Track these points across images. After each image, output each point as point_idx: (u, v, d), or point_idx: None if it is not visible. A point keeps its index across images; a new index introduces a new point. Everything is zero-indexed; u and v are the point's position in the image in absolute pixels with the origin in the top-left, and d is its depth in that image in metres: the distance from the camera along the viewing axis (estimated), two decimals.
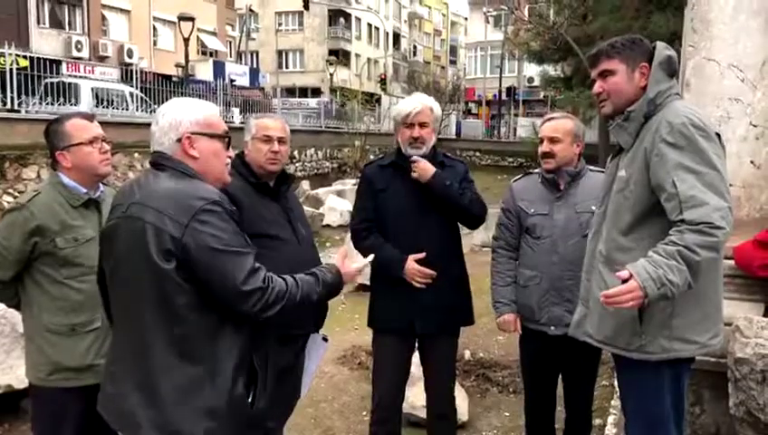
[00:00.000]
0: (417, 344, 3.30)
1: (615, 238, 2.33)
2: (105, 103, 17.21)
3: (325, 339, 3.01)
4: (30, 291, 2.64)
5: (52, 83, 16.23)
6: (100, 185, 2.76)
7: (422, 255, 3.07)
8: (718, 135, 2.23)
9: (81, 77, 21.51)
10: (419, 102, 3.13)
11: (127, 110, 18.44)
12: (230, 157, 2.14)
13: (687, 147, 2.14)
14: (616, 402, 3.85)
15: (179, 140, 2.00)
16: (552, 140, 3.10)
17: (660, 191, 2.17)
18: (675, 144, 2.15)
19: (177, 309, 1.85)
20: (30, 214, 2.55)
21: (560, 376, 3.33)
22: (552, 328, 3.11)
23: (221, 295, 1.88)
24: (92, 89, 18.54)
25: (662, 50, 2.31)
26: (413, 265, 3.07)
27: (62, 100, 15.51)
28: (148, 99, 18.93)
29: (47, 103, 15.03)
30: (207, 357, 1.89)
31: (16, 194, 12.33)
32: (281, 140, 2.90)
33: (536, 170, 3.28)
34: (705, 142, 2.14)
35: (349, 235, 3.29)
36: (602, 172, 3.12)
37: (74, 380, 2.61)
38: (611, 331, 2.34)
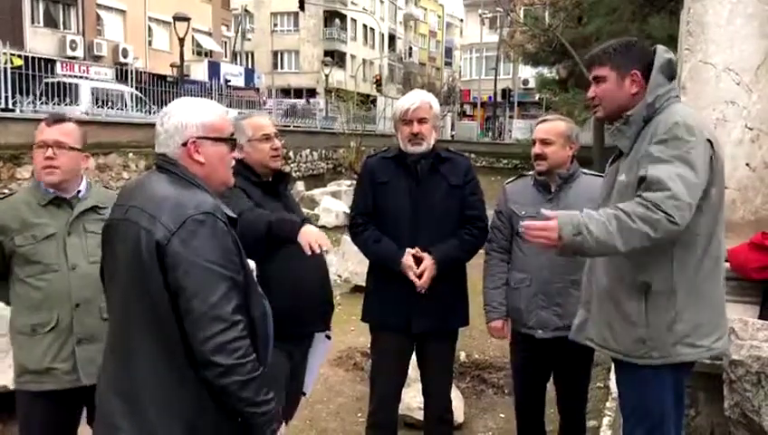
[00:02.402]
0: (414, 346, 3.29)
1: None
2: (102, 104, 17.25)
3: (328, 337, 3.02)
4: (9, 292, 2.63)
5: (52, 83, 16.28)
6: (80, 187, 2.68)
7: (416, 250, 3.03)
8: (711, 142, 2.19)
9: (81, 77, 21.60)
10: (418, 98, 3.10)
11: (124, 110, 18.46)
12: (234, 158, 2.10)
13: (671, 143, 2.14)
14: (611, 404, 3.87)
15: (185, 145, 1.96)
16: (544, 142, 3.10)
17: (640, 181, 2.17)
18: (660, 141, 2.16)
19: (165, 317, 1.81)
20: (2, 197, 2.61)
21: (551, 379, 3.33)
22: (540, 332, 3.11)
23: (185, 314, 1.79)
24: (92, 89, 18.64)
25: (662, 53, 2.31)
26: (409, 260, 3.02)
27: (56, 100, 15.51)
28: (147, 99, 18.93)
29: (42, 103, 15.01)
30: (189, 368, 1.83)
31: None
32: (276, 136, 2.95)
33: (530, 172, 3.28)
34: (690, 142, 2.14)
35: (345, 236, 3.29)
36: (597, 176, 3.13)
37: (34, 383, 2.56)
38: (614, 336, 2.34)
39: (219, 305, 1.78)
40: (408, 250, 3.02)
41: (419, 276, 3.01)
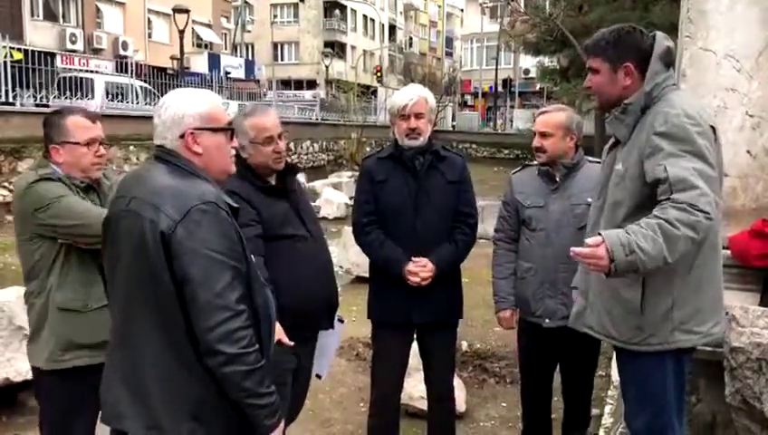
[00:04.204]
0: (415, 336, 3.30)
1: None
2: (116, 97, 17.67)
3: (341, 320, 3.04)
4: (55, 267, 2.60)
5: (68, 78, 16.76)
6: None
7: (419, 260, 3.06)
8: (714, 128, 2.22)
9: (94, 72, 22.19)
10: (414, 93, 3.12)
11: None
12: (234, 147, 2.09)
13: (679, 138, 2.14)
14: (612, 392, 3.88)
15: (182, 136, 1.95)
16: (543, 135, 3.12)
17: (655, 181, 2.16)
18: (666, 134, 2.15)
19: (170, 306, 1.82)
20: (57, 178, 2.55)
21: (557, 367, 3.35)
22: (547, 320, 3.12)
23: (190, 303, 1.80)
24: (106, 83, 19.19)
25: (662, 41, 2.30)
26: (411, 267, 3.06)
27: (70, 93, 15.97)
28: (158, 93, 19.08)
29: (55, 97, 15.32)
30: (194, 357, 1.84)
31: (12, 187, 12.27)
32: (280, 136, 2.81)
33: (535, 162, 3.29)
34: (696, 134, 2.14)
35: (346, 228, 3.29)
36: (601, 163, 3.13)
37: (87, 357, 2.56)
38: (613, 324, 2.35)
39: (224, 294, 1.80)
40: (412, 260, 3.06)
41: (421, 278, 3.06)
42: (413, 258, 3.06)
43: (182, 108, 1.97)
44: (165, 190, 1.86)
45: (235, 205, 1.98)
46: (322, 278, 2.90)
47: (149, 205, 1.84)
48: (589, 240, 2.10)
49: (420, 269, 3.05)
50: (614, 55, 2.31)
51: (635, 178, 2.25)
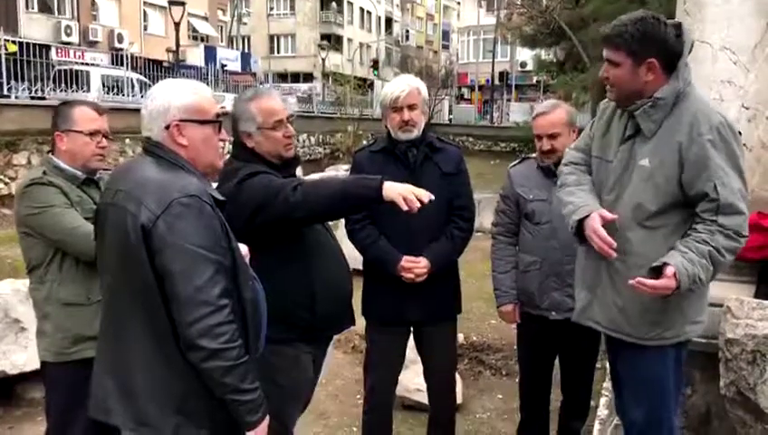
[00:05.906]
0: (412, 331, 3.25)
1: (631, 228, 2.28)
2: (112, 90, 17.78)
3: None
4: (54, 262, 2.62)
5: (64, 71, 16.96)
6: (99, 173, 2.76)
7: (415, 261, 3.02)
8: (740, 133, 2.26)
9: (91, 65, 22.24)
10: (406, 84, 3.03)
11: (134, 95, 18.75)
12: (223, 140, 2.06)
13: (727, 150, 2.16)
14: (608, 384, 3.88)
15: (167, 128, 1.94)
16: (552, 136, 3.07)
17: (694, 189, 2.17)
18: (715, 144, 2.15)
19: (153, 301, 1.81)
20: (49, 183, 2.59)
21: (556, 360, 3.35)
22: (553, 313, 3.10)
23: (171, 297, 1.79)
24: (102, 76, 19.27)
25: (688, 33, 2.23)
26: (406, 264, 3.01)
27: (65, 86, 16.02)
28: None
29: (50, 90, 15.28)
30: (178, 351, 1.83)
31: (7, 180, 12.24)
32: (289, 119, 2.63)
33: (533, 155, 3.26)
34: (737, 147, 2.19)
35: (343, 221, 3.25)
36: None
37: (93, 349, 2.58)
38: (626, 320, 2.33)
39: (205, 289, 1.78)
40: (405, 257, 3.00)
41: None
42: (406, 255, 2.99)
43: (168, 99, 1.95)
44: (148, 183, 1.85)
45: (222, 198, 1.96)
46: (346, 273, 2.79)
47: (132, 198, 1.83)
48: (667, 271, 2.12)
49: (414, 265, 2.98)
50: (639, 50, 2.17)
51: (668, 179, 2.21)
